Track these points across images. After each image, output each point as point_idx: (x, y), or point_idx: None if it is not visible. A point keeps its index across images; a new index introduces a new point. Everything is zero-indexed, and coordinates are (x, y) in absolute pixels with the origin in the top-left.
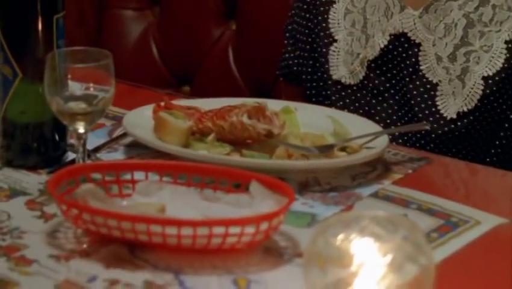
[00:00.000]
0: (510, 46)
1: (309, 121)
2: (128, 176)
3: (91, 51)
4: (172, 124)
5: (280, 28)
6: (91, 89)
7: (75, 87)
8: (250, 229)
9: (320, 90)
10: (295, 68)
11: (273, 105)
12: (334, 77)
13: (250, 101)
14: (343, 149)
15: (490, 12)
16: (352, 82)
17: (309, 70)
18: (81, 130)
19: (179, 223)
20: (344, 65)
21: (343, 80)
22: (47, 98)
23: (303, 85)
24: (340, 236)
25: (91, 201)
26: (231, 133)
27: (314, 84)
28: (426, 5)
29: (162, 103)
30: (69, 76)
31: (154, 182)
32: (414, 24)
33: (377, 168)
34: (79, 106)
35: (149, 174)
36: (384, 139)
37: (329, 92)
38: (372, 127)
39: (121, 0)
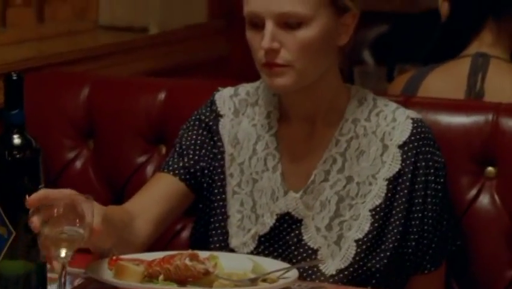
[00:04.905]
0: (373, 213)
1: (230, 264)
2: None
3: None
4: (131, 269)
5: None
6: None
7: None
8: None
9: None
10: (192, 237)
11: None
12: (229, 245)
13: (185, 252)
14: (264, 281)
15: (355, 188)
16: (244, 251)
17: (208, 239)
18: (63, 254)
19: None
20: (235, 238)
21: (236, 250)
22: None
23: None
24: None
25: None
26: (176, 274)
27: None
28: (304, 188)
29: (114, 257)
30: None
31: None
32: (296, 204)
33: None
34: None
35: None
36: (294, 272)
37: None
38: (280, 264)
39: None
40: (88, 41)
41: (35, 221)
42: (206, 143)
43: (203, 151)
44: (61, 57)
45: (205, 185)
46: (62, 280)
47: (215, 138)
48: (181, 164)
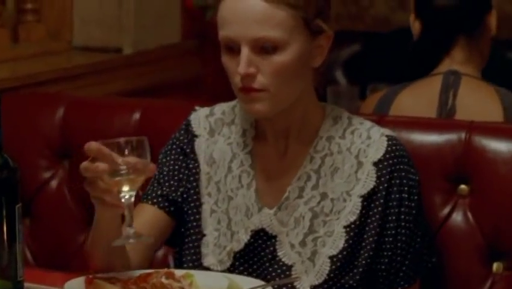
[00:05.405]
0: (348, 229)
1: (206, 282)
2: None
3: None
4: (107, 287)
5: None
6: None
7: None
8: None
9: None
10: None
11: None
12: (205, 264)
13: (161, 271)
14: None
15: (329, 205)
16: (220, 269)
17: (182, 259)
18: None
19: None
20: (212, 256)
21: (211, 267)
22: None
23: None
24: None
25: None
26: None
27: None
28: (278, 204)
29: (91, 276)
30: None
31: None
32: (271, 220)
33: None
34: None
35: None
36: None
37: None
38: (255, 282)
39: None
40: (62, 61)
41: (102, 165)
42: (183, 168)
43: (181, 176)
44: (35, 78)
45: (185, 209)
46: (129, 221)
47: (189, 161)
48: (159, 193)
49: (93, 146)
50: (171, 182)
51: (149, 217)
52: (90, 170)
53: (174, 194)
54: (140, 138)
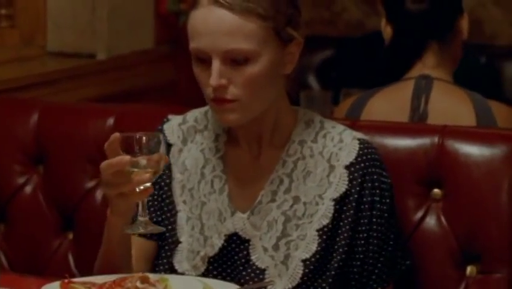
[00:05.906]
0: (321, 233)
1: (180, 286)
2: None
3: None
4: None
5: None
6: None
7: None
8: None
9: None
10: None
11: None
12: (179, 270)
13: (136, 275)
14: None
15: (302, 208)
16: (194, 274)
17: (155, 268)
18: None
19: None
20: (187, 261)
21: (186, 273)
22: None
23: None
24: None
25: None
26: None
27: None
28: (251, 208)
29: (66, 280)
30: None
31: None
32: (244, 224)
33: None
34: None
35: None
36: None
37: None
38: (229, 286)
39: None
40: (36, 67)
41: (126, 157)
42: (158, 184)
43: (158, 192)
44: (9, 83)
45: (164, 223)
46: (142, 212)
47: (163, 174)
48: None
49: (115, 137)
50: (154, 203)
51: (138, 250)
52: (114, 165)
53: (157, 214)
54: (155, 132)
